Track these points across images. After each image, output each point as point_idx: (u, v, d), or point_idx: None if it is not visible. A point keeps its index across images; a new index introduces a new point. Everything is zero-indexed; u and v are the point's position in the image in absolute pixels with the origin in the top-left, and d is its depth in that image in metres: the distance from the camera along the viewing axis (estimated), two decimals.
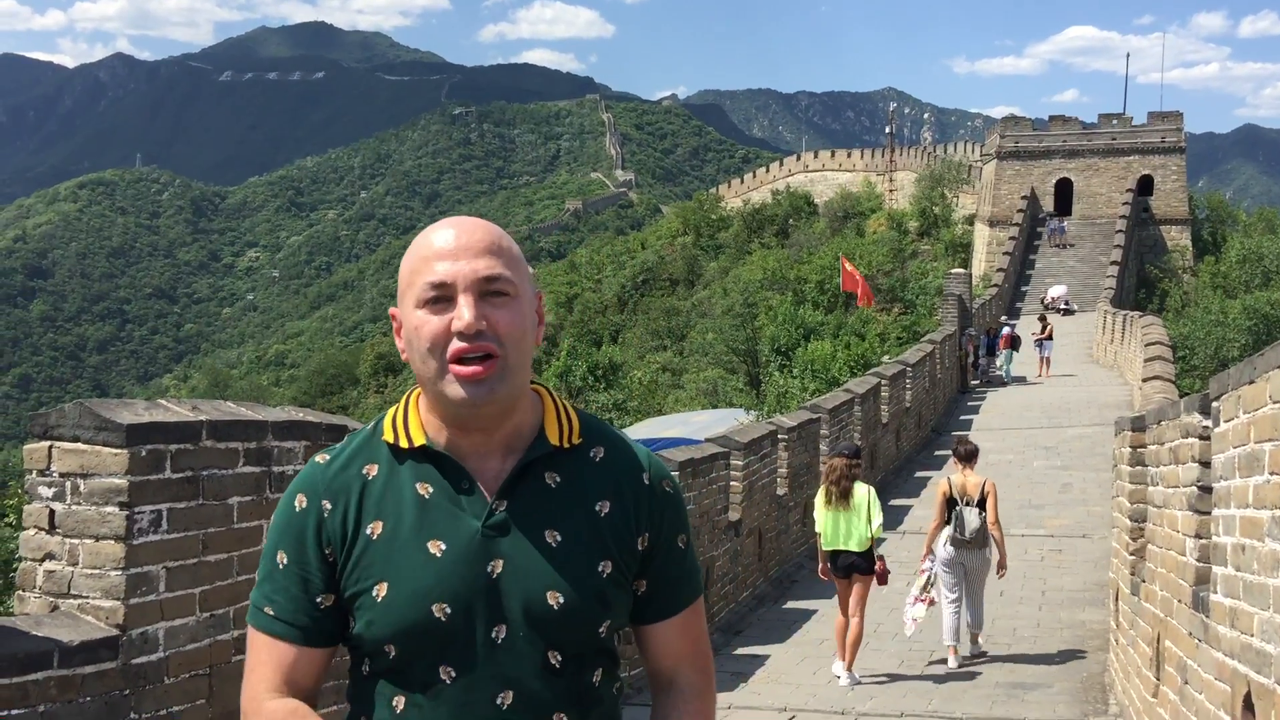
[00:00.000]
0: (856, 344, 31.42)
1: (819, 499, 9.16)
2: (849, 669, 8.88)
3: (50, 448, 3.62)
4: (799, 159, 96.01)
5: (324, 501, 1.86)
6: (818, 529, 9.15)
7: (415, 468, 1.86)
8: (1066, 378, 28.86)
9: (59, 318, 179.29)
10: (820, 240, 65.74)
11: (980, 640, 9.60)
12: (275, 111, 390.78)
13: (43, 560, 3.64)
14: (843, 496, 8.92)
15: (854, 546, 8.90)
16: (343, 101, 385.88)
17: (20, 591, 3.69)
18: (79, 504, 3.58)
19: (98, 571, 3.57)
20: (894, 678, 9.13)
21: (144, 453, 3.58)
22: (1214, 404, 4.10)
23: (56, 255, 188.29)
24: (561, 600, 1.81)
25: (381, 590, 1.81)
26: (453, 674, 1.80)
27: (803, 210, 79.01)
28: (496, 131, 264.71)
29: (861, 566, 8.89)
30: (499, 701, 1.80)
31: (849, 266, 32.72)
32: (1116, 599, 8.14)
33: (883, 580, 9.09)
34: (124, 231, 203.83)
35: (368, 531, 1.83)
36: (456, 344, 1.78)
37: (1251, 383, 3.47)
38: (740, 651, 10.03)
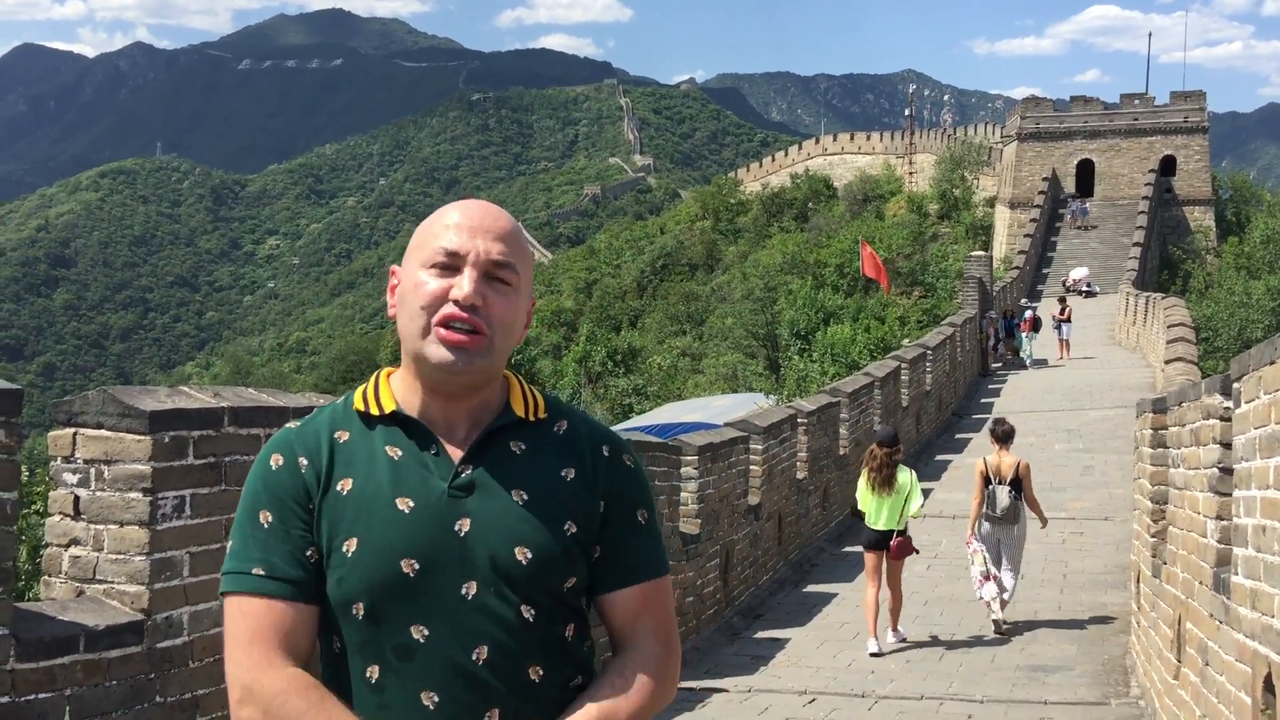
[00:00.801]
0: (876, 327, 31.31)
1: (862, 482, 9.60)
2: (894, 628, 9.46)
3: (75, 435, 3.66)
4: (818, 142, 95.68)
5: (300, 458, 1.89)
6: (860, 507, 9.60)
7: (385, 432, 1.91)
8: (1086, 360, 28.72)
9: (82, 306, 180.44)
10: (840, 224, 65.49)
11: (999, 609, 9.72)
12: (294, 99, 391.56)
13: (68, 546, 3.68)
14: (885, 484, 9.40)
15: (896, 526, 9.44)
16: (361, 89, 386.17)
17: (46, 577, 3.74)
18: (103, 490, 3.62)
19: (122, 557, 3.61)
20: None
21: (167, 439, 3.62)
22: (1235, 385, 4.08)
23: (79, 244, 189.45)
24: (530, 555, 1.85)
25: (351, 546, 1.82)
26: (425, 632, 1.81)
27: (822, 194, 78.75)
28: (514, 117, 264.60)
29: (899, 541, 9.42)
30: (474, 656, 1.82)
31: (868, 250, 32.56)
32: (1138, 581, 8.12)
33: (896, 554, 9.43)
34: (145, 220, 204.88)
35: (338, 488, 1.86)
36: (449, 309, 1.84)
37: (1273, 363, 3.45)
38: (760, 635, 10.05)
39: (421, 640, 1.82)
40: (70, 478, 3.66)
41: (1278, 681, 3.40)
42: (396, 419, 1.91)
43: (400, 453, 1.89)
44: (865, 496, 9.56)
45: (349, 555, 1.82)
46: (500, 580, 1.84)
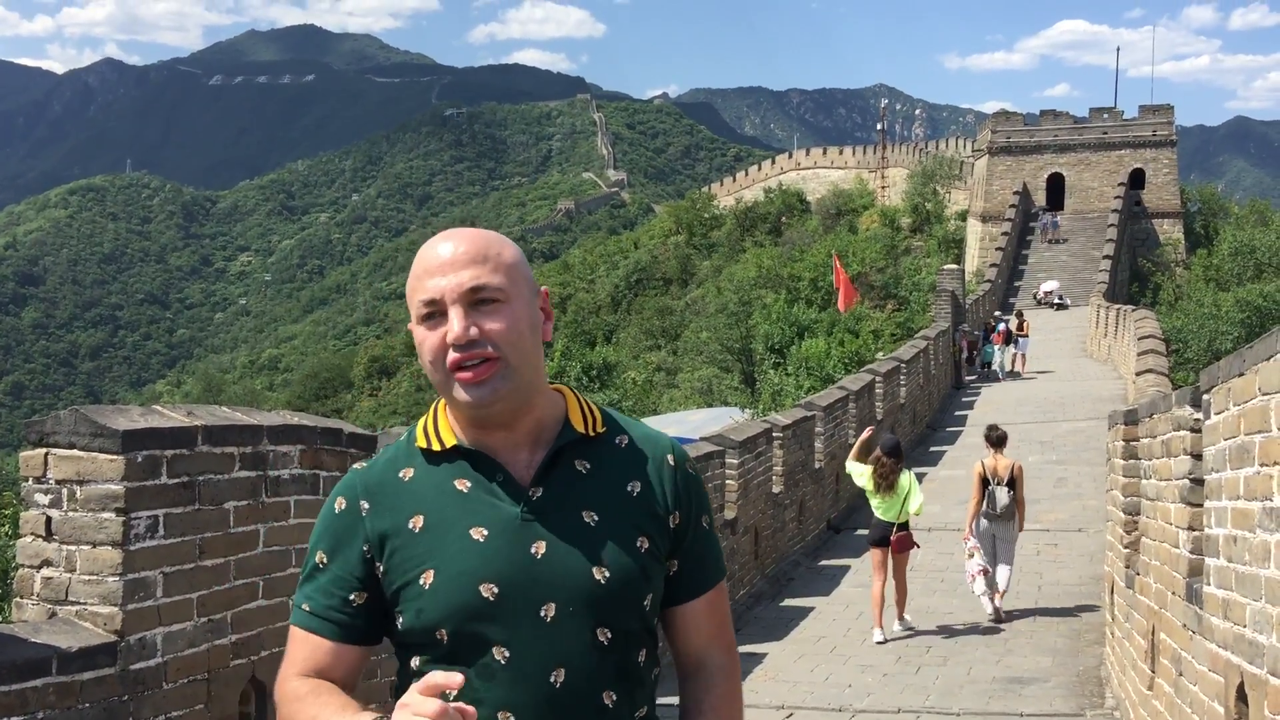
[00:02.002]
0: (850, 341, 31.44)
1: (868, 484, 10.41)
2: (901, 617, 10.19)
3: (46, 455, 3.63)
4: (791, 157, 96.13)
5: (362, 502, 1.93)
6: (874, 507, 10.45)
7: (450, 467, 1.93)
8: (1045, 373, 28.86)
9: (51, 325, 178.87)
10: (813, 238, 65.77)
11: (1000, 602, 10.54)
12: (265, 115, 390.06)
13: (40, 567, 3.64)
14: (889, 487, 10.26)
15: (895, 520, 10.26)
16: (333, 104, 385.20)
17: (18, 599, 3.70)
18: (75, 510, 3.59)
19: (95, 577, 3.57)
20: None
21: (140, 458, 3.59)
22: (1205, 397, 4.12)
23: (48, 262, 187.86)
24: (608, 574, 1.88)
25: (428, 578, 1.87)
26: (506, 654, 1.85)
27: (795, 208, 79.05)
28: (488, 133, 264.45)
29: (901, 538, 10.22)
30: (552, 679, 1.85)
31: (839, 266, 32.71)
32: (1111, 592, 8.17)
33: (899, 548, 10.24)
34: (115, 237, 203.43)
35: (409, 525, 1.90)
36: (453, 354, 1.86)
37: (1241, 375, 3.49)
38: (738, 650, 10.02)
39: (503, 662, 1.85)
40: (42, 498, 3.63)
41: (1251, 691, 3.43)
42: (459, 452, 1.94)
43: (469, 484, 1.92)
44: (871, 494, 10.43)
45: (426, 587, 1.86)
46: (579, 602, 1.86)
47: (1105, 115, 58.79)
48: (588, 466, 1.95)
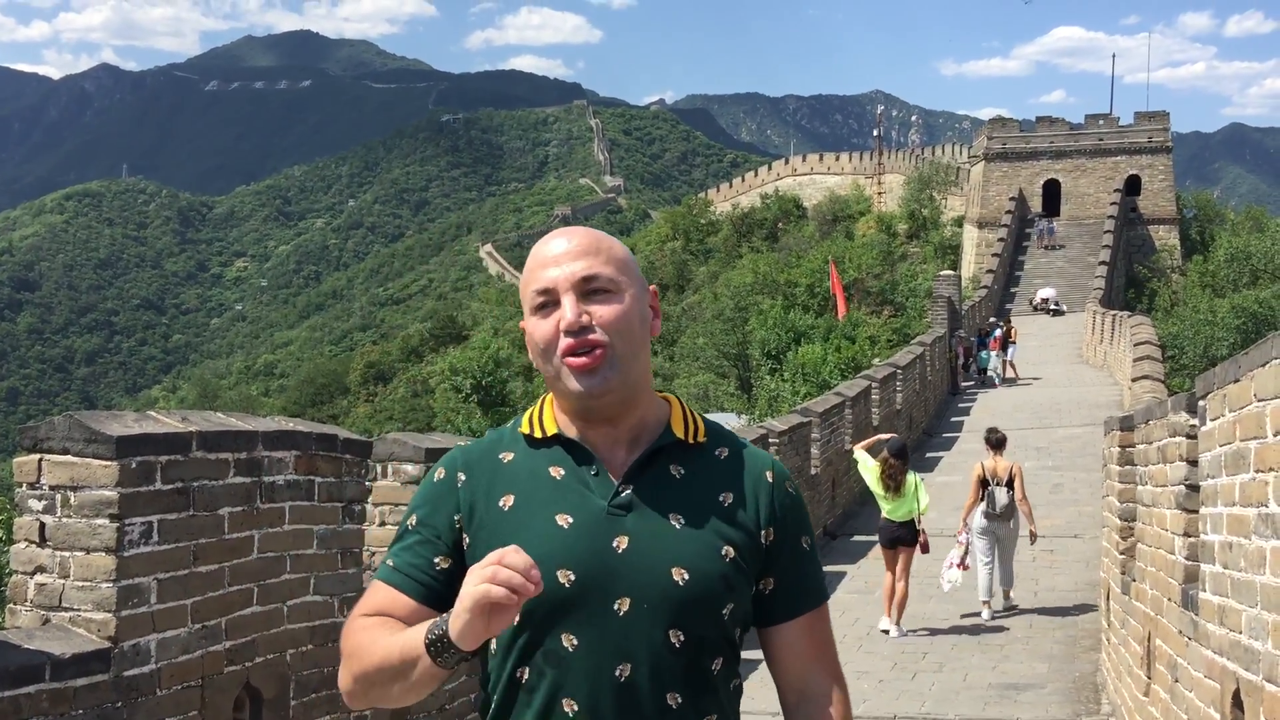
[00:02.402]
0: (847, 347, 31.45)
1: (878, 487, 10.79)
2: (897, 624, 10.41)
3: (40, 461, 3.62)
4: (787, 163, 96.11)
5: (460, 474, 2.00)
6: (882, 507, 10.84)
7: (549, 454, 1.98)
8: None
9: (46, 330, 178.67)
10: (810, 244, 65.86)
11: (1010, 596, 11.13)
12: (262, 121, 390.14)
13: (34, 573, 3.64)
14: (896, 488, 10.64)
15: (902, 519, 10.62)
16: (330, 110, 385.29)
17: (11, 605, 3.69)
18: (69, 516, 3.58)
19: (89, 584, 3.56)
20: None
21: (134, 464, 3.58)
22: (1200, 403, 4.12)
23: (43, 267, 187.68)
24: (687, 577, 1.89)
25: None
26: (575, 642, 1.87)
27: (792, 214, 79.14)
28: (484, 138, 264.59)
29: (906, 539, 10.54)
30: (617, 673, 1.86)
31: (835, 274, 32.75)
32: (1108, 598, 8.17)
33: (925, 549, 10.72)
34: (111, 243, 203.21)
35: (500, 503, 1.95)
36: (565, 340, 1.90)
37: (1237, 381, 3.49)
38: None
39: (571, 649, 1.87)
40: (36, 504, 3.62)
41: (1246, 698, 3.43)
42: (560, 440, 1.98)
43: (563, 472, 1.96)
44: (880, 495, 10.79)
45: None
46: (655, 601, 1.87)
47: (1101, 122, 58.88)
48: (682, 471, 1.97)
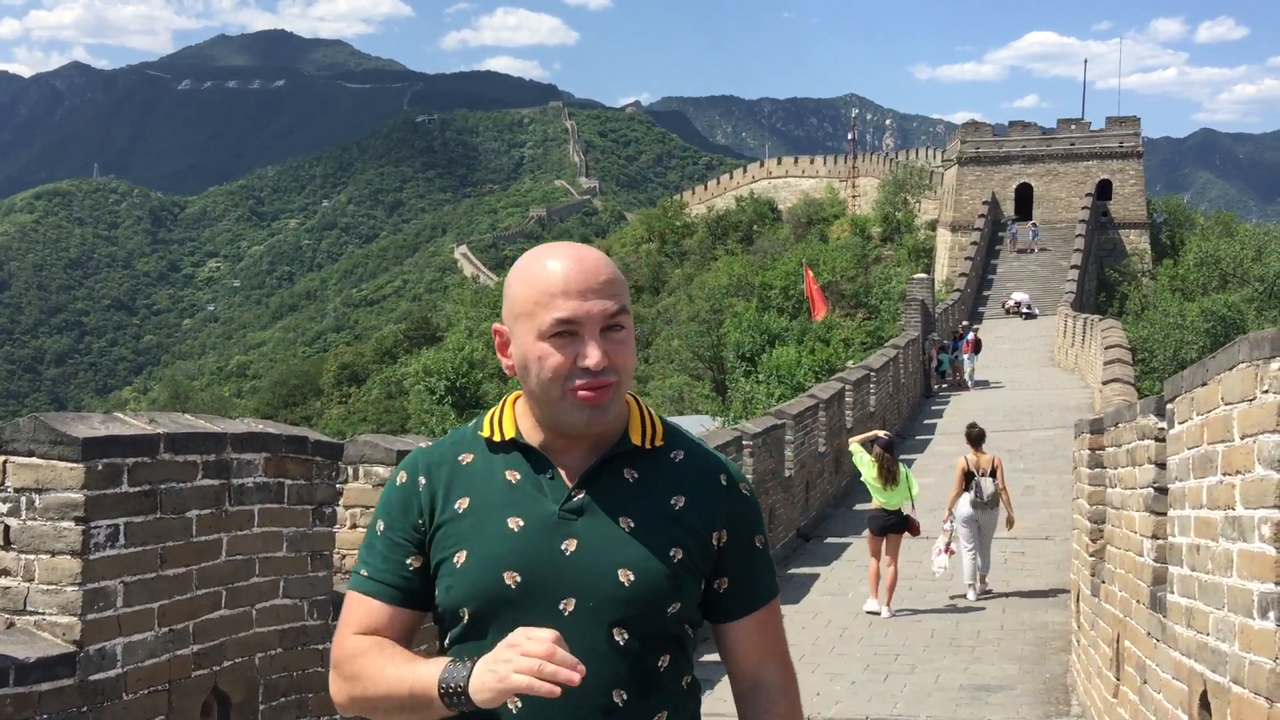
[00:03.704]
0: (821, 349, 31.60)
1: (873, 479, 11.58)
2: (887, 604, 11.17)
3: (4, 463, 3.58)
4: (762, 165, 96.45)
5: (420, 477, 2.03)
6: (874, 496, 11.66)
7: (506, 458, 2.02)
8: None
9: (15, 330, 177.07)
10: (784, 246, 66.04)
11: (986, 581, 11.88)
12: (235, 120, 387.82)
13: None
14: (890, 480, 11.46)
15: (895, 508, 11.45)
16: (304, 110, 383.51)
17: None
18: (34, 519, 3.54)
19: (54, 587, 3.53)
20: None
21: (100, 466, 3.55)
22: (1169, 406, 4.15)
23: (13, 267, 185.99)
24: (632, 578, 1.92)
25: (461, 557, 1.95)
26: None
27: (766, 217, 79.36)
28: (459, 139, 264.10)
29: (897, 526, 11.37)
30: None
31: (810, 276, 32.86)
32: (1077, 600, 8.22)
33: (915, 532, 11.53)
34: (81, 242, 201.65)
35: (456, 506, 1.99)
36: (583, 379, 1.91)
37: (1204, 385, 3.52)
38: (706, 658, 10.02)
39: None
40: (0, 507, 3.58)
41: (1214, 699, 3.45)
42: (517, 445, 2.01)
43: (519, 476, 2.00)
44: (875, 487, 11.57)
45: (458, 566, 1.95)
46: (600, 601, 1.91)
47: (1073, 126, 59.35)
48: (636, 475, 2.00)
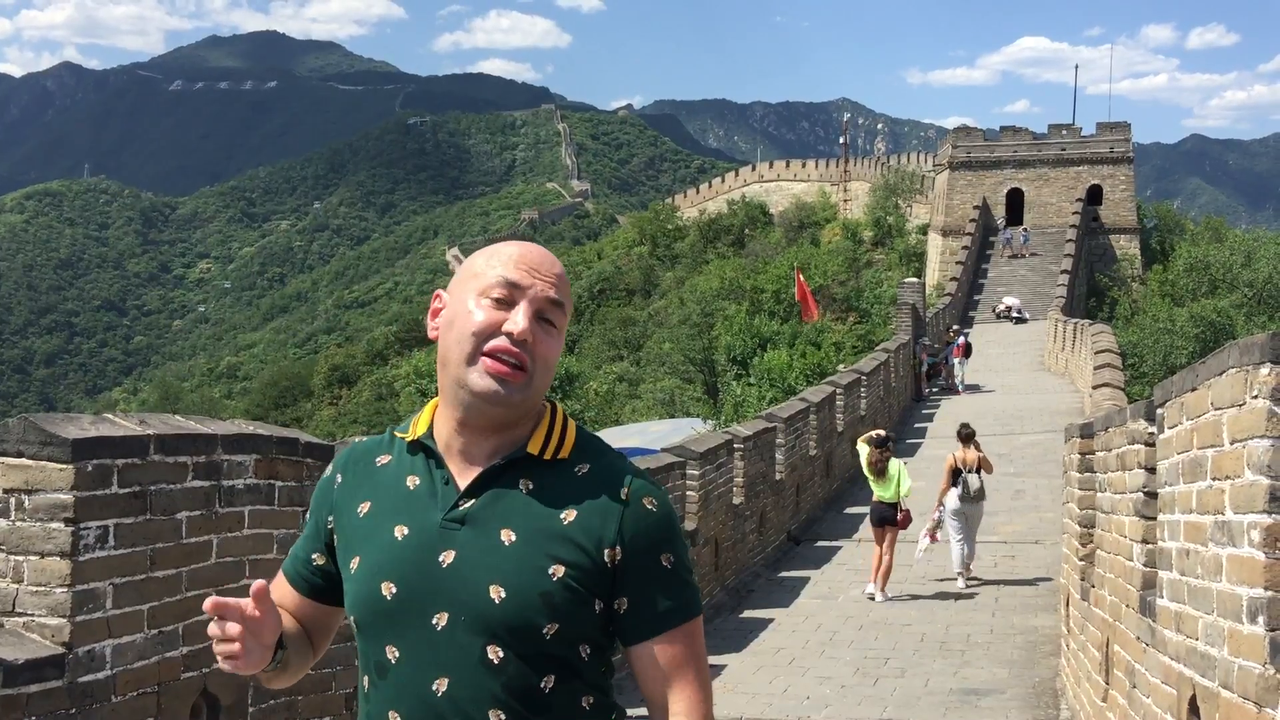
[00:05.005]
0: (812, 353, 31.58)
1: (868, 472, 12.58)
2: (882, 590, 12.07)
3: None
4: (754, 169, 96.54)
5: (338, 475, 2.07)
6: (874, 490, 12.60)
7: (413, 461, 2.00)
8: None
9: (5, 331, 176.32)
10: (776, 250, 66.03)
11: (971, 569, 12.66)
12: (227, 121, 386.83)
13: None
14: (880, 474, 12.44)
15: (889, 500, 12.37)
16: (296, 111, 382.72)
17: None
18: (24, 520, 3.53)
19: (43, 588, 3.52)
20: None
21: (90, 468, 3.54)
22: (1159, 411, 4.16)
23: (2, 267, 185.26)
24: (504, 594, 1.86)
25: (355, 564, 1.97)
26: (397, 654, 1.90)
27: (758, 220, 79.41)
28: (451, 141, 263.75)
29: (891, 518, 12.27)
30: (434, 687, 1.87)
31: (801, 280, 32.89)
32: (1067, 604, 8.24)
33: (904, 525, 12.34)
34: (72, 243, 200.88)
35: (359, 509, 2.00)
36: (499, 341, 1.89)
37: (1194, 389, 3.53)
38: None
39: (393, 661, 1.91)
40: None
41: (1203, 704, 3.46)
42: (423, 446, 1.99)
43: (417, 482, 1.97)
44: (870, 479, 12.56)
45: (352, 572, 1.97)
46: (471, 617, 1.86)
47: (1064, 132, 59.47)
48: (531, 486, 1.93)
